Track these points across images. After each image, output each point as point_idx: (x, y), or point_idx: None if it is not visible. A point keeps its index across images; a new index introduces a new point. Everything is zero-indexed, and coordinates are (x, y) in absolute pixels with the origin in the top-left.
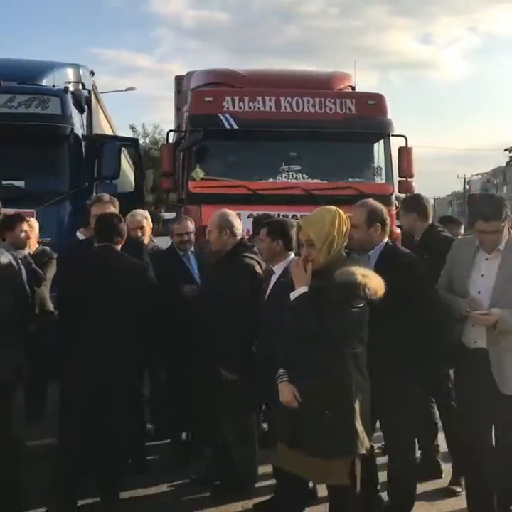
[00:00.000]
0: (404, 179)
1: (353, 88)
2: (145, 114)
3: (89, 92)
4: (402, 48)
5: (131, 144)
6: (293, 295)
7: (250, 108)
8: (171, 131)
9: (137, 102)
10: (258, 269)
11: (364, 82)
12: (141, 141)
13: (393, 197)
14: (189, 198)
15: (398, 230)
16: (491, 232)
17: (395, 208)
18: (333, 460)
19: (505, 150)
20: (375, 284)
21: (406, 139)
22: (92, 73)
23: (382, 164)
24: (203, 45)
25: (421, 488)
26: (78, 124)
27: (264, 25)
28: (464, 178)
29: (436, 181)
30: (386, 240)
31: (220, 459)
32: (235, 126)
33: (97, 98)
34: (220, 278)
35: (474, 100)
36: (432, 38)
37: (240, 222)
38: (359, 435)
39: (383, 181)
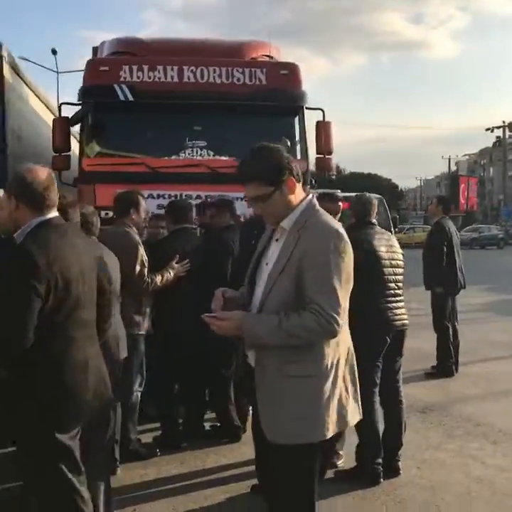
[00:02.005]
0: (321, 156)
1: (270, 58)
2: None
3: None
4: (393, 28)
5: None
6: None
7: (150, 78)
8: (63, 103)
9: None
10: None
11: (353, 61)
12: None
13: (308, 175)
14: (83, 176)
15: None
16: (253, 200)
17: (308, 187)
18: None
19: (487, 130)
20: None
21: (323, 112)
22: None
23: (296, 140)
24: (190, 26)
25: None
26: None
27: (255, 6)
28: (449, 159)
29: (423, 163)
30: None
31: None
32: (131, 98)
33: (16, 71)
34: None
35: (463, 80)
36: (423, 18)
37: None
38: None
39: (297, 158)
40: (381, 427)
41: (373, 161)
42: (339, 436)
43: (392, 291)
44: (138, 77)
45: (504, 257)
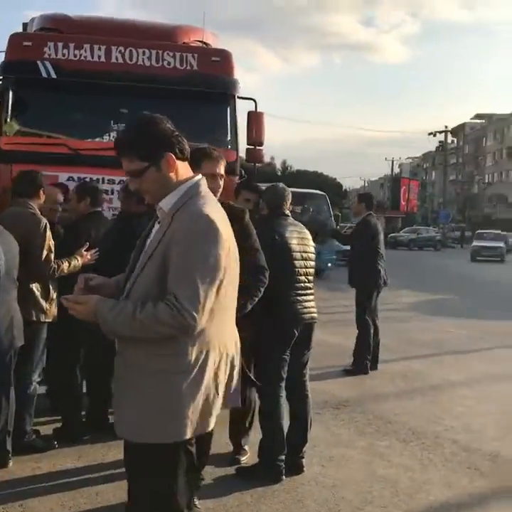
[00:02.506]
0: (252, 147)
1: (206, 44)
2: None
3: None
4: (344, 29)
5: None
6: None
7: (75, 56)
8: None
9: None
10: None
11: (305, 61)
12: None
13: (237, 165)
14: (1, 155)
15: None
16: (127, 174)
17: (238, 177)
18: None
19: (429, 134)
20: None
21: (255, 102)
22: None
23: (226, 129)
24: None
25: None
26: None
27: None
28: (392, 161)
29: (369, 164)
30: None
31: None
32: (54, 75)
33: None
34: None
35: (412, 85)
36: (374, 21)
37: None
38: None
39: (227, 148)
40: (286, 423)
41: (320, 160)
42: (245, 431)
43: (302, 284)
44: (63, 55)
45: (439, 258)
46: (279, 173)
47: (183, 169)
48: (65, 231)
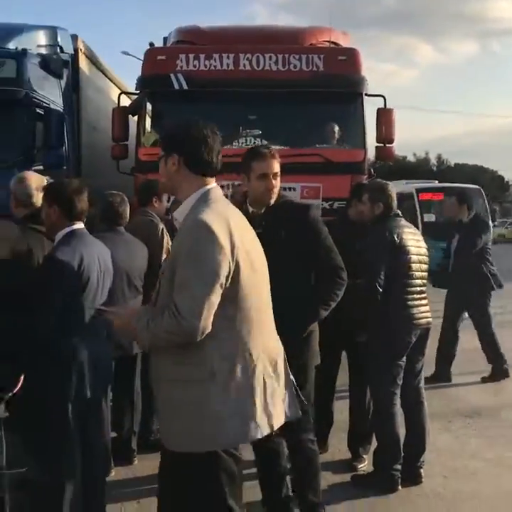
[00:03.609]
0: (382, 145)
1: (335, 44)
2: None
3: (73, 56)
4: (505, 14)
5: None
6: None
7: (205, 66)
8: (122, 93)
9: None
10: None
11: (462, 50)
12: None
13: (365, 164)
14: (138, 165)
15: None
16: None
17: (366, 176)
18: None
19: None
20: None
21: (385, 99)
22: (75, 37)
23: (354, 127)
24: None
25: None
26: (44, 89)
27: None
28: None
29: None
30: None
31: None
32: (185, 87)
33: (94, 63)
34: None
35: None
36: None
37: None
38: None
39: (355, 147)
40: (402, 431)
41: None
42: (364, 439)
43: (418, 288)
44: (194, 66)
45: None
46: (435, 168)
47: (194, 179)
48: None
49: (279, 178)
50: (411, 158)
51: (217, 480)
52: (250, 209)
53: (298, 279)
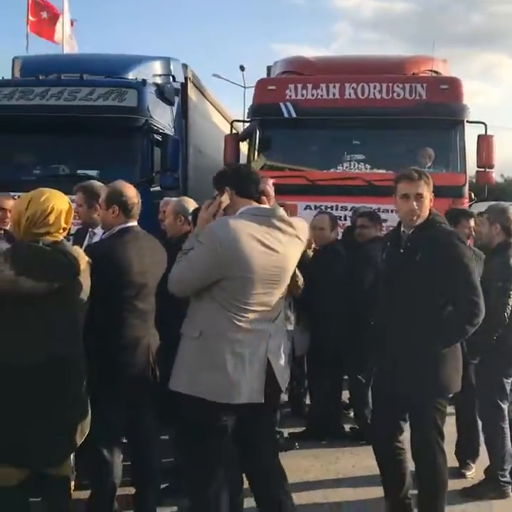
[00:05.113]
0: (482, 169)
1: (436, 73)
2: None
3: (183, 84)
4: None
5: None
6: None
7: (313, 96)
8: (234, 121)
9: None
10: None
11: None
12: None
13: (466, 188)
14: None
15: None
16: None
17: (467, 200)
18: None
19: None
20: None
21: (485, 126)
22: (185, 66)
23: (455, 153)
24: (380, 36)
25: None
26: (160, 116)
27: (445, 14)
28: None
29: None
30: None
31: None
32: (294, 115)
33: (200, 90)
34: None
35: None
36: None
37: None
38: None
39: (456, 172)
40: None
41: None
42: (471, 448)
43: None
44: (302, 95)
45: None
46: None
47: (239, 201)
48: None
49: (423, 200)
50: (499, 179)
51: (201, 427)
52: (402, 229)
53: (425, 304)
